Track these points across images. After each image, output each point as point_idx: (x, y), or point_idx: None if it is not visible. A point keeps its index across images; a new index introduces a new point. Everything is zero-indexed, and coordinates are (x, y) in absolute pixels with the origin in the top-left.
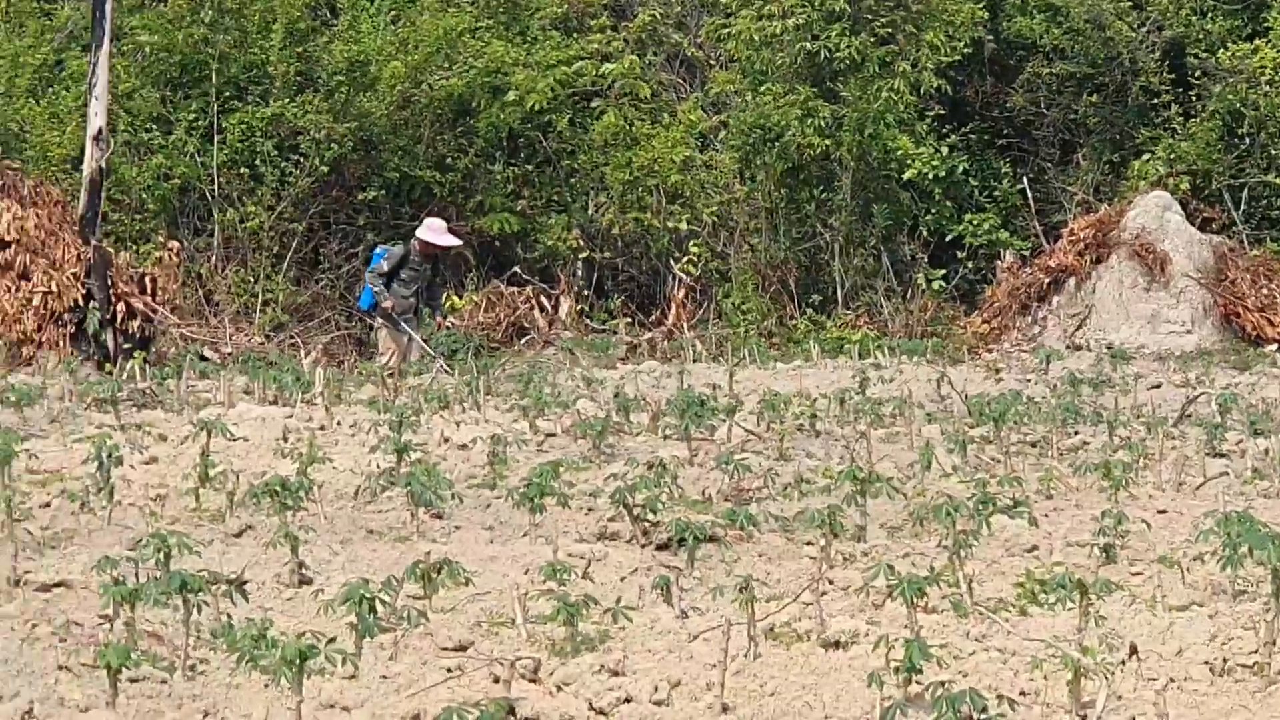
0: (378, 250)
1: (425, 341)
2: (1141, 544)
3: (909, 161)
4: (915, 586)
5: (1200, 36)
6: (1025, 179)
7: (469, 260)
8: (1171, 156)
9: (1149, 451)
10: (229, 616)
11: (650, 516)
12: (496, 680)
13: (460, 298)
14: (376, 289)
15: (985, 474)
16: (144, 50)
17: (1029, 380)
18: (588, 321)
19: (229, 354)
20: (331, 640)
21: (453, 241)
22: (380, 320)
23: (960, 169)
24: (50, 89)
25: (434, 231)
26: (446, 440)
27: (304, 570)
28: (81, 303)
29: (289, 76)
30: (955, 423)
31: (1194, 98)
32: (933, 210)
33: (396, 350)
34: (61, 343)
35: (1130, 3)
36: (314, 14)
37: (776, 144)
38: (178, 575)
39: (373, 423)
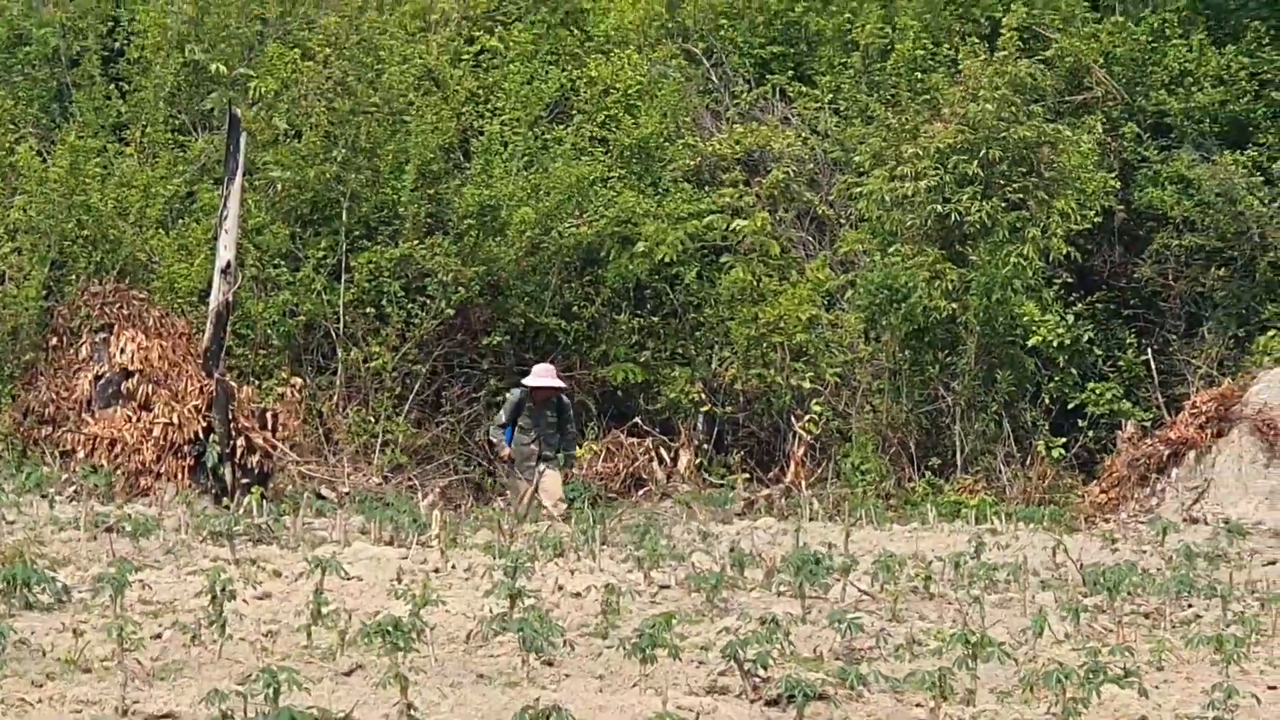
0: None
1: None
2: (1251, 719)
3: (1034, 328)
4: None
5: None
6: (1149, 350)
7: (590, 409)
8: None
9: (1262, 627)
10: None
11: (761, 672)
12: None
13: (580, 446)
14: (496, 439)
15: (1097, 643)
16: (276, 186)
17: (1145, 552)
18: (706, 475)
19: (346, 493)
20: None
21: (555, 383)
22: (507, 468)
23: (1085, 337)
24: (180, 220)
25: (539, 376)
26: (560, 588)
27: (413, 712)
28: (202, 435)
29: (419, 218)
30: (1069, 591)
31: None
32: (1056, 378)
33: (525, 496)
34: (180, 474)
35: (1262, 178)
36: (447, 156)
37: (903, 305)
38: (286, 711)
39: (487, 567)
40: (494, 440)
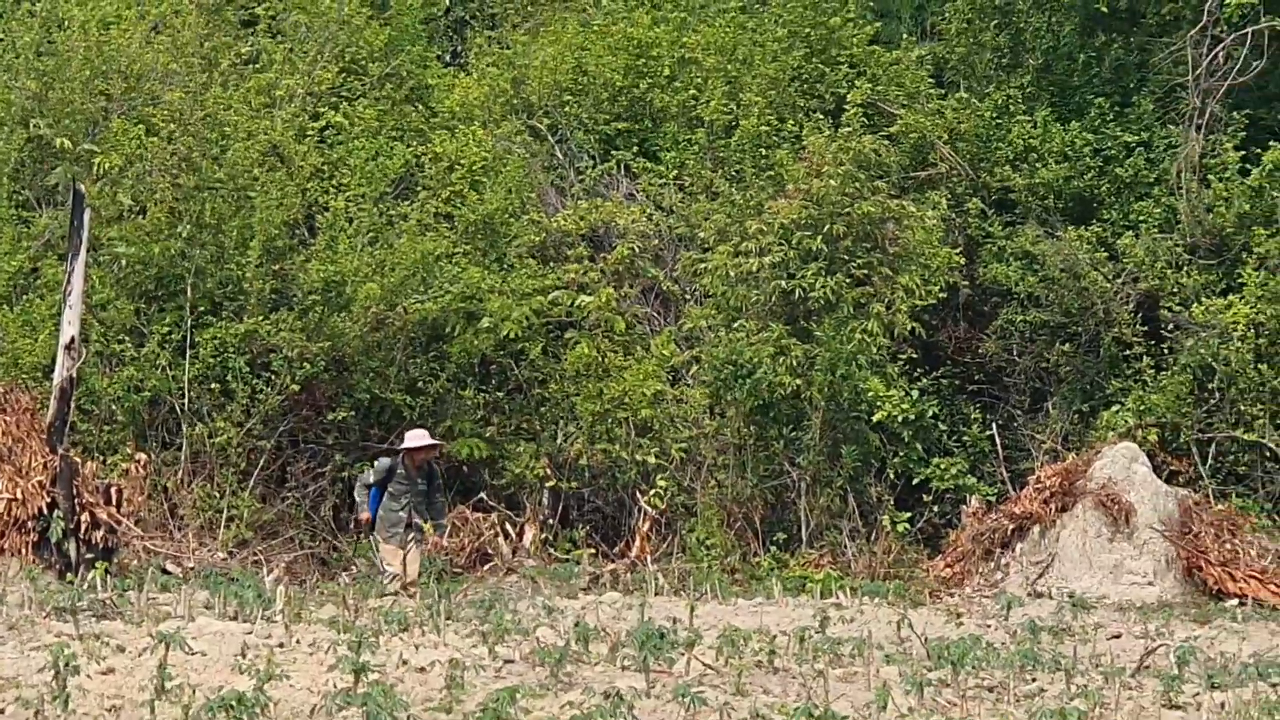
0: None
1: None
2: None
3: (879, 403)
4: None
5: (1175, 290)
6: (994, 425)
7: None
8: (1141, 408)
9: (1105, 701)
10: None
11: None
12: None
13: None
14: (359, 499)
15: (941, 717)
16: (120, 261)
17: (990, 626)
18: (551, 550)
19: (191, 568)
20: None
21: (429, 440)
22: (379, 534)
23: (930, 413)
24: (24, 296)
25: (413, 439)
26: (405, 662)
27: None
28: (46, 511)
29: (264, 293)
30: (914, 665)
31: (1166, 350)
32: (901, 453)
33: (398, 560)
34: (24, 550)
35: (1106, 254)
36: (292, 232)
37: (748, 381)
38: None
39: (332, 642)
40: (357, 499)
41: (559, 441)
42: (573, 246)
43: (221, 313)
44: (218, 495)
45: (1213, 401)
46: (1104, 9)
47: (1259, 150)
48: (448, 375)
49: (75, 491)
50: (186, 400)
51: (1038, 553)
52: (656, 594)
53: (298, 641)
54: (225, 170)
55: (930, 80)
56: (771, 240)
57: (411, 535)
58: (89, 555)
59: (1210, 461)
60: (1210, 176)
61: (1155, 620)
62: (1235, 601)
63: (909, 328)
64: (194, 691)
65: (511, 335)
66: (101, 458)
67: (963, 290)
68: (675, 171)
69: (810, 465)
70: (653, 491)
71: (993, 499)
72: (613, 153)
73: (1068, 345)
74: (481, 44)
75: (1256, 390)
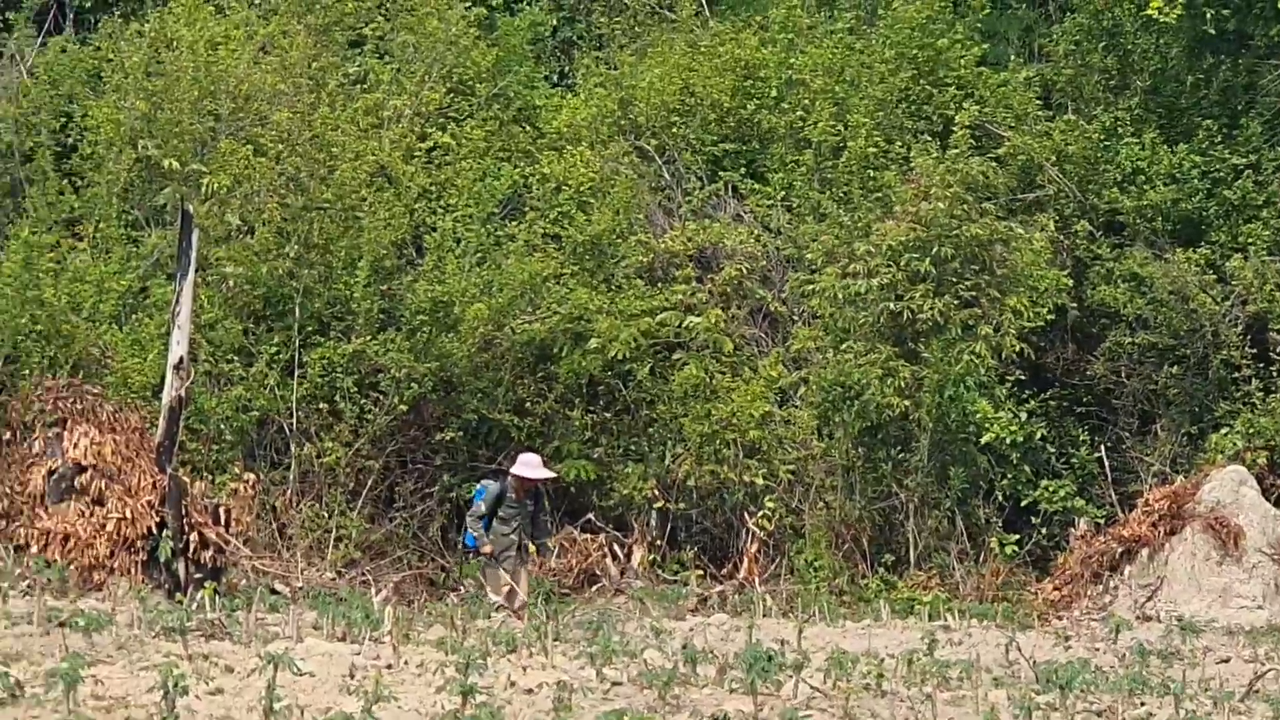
0: (478, 488)
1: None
2: None
3: (987, 425)
4: None
5: None
6: (1103, 447)
7: (544, 505)
8: (1250, 431)
9: None
10: None
11: None
12: None
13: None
14: (476, 532)
15: None
16: (229, 281)
17: (1098, 649)
18: (659, 572)
19: (300, 589)
20: None
21: (547, 474)
22: (485, 558)
23: (1038, 435)
24: (134, 316)
25: (529, 466)
26: (513, 684)
27: None
28: (155, 531)
29: (372, 314)
30: (1022, 688)
31: (1275, 373)
32: (1009, 475)
33: (505, 588)
34: (133, 570)
35: (1214, 276)
36: (400, 252)
37: (856, 402)
38: None
39: (440, 663)
40: (473, 534)
41: (667, 463)
42: (680, 267)
43: (329, 333)
44: (326, 515)
45: None
46: (1212, 31)
47: None
48: (555, 396)
49: (184, 511)
50: (295, 420)
51: (1146, 576)
52: (764, 616)
53: (406, 663)
54: (333, 190)
55: (1038, 102)
56: (879, 262)
57: (519, 557)
58: (197, 575)
59: None
60: None
61: (1265, 644)
62: None
63: (1017, 349)
64: (302, 713)
65: (619, 356)
66: (210, 477)
67: (1071, 312)
68: (783, 193)
69: (918, 487)
70: (760, 513)
71: (1101, 521)
72: (720, 174)
73: (1176, 368)
74: (589, 65)
75: None
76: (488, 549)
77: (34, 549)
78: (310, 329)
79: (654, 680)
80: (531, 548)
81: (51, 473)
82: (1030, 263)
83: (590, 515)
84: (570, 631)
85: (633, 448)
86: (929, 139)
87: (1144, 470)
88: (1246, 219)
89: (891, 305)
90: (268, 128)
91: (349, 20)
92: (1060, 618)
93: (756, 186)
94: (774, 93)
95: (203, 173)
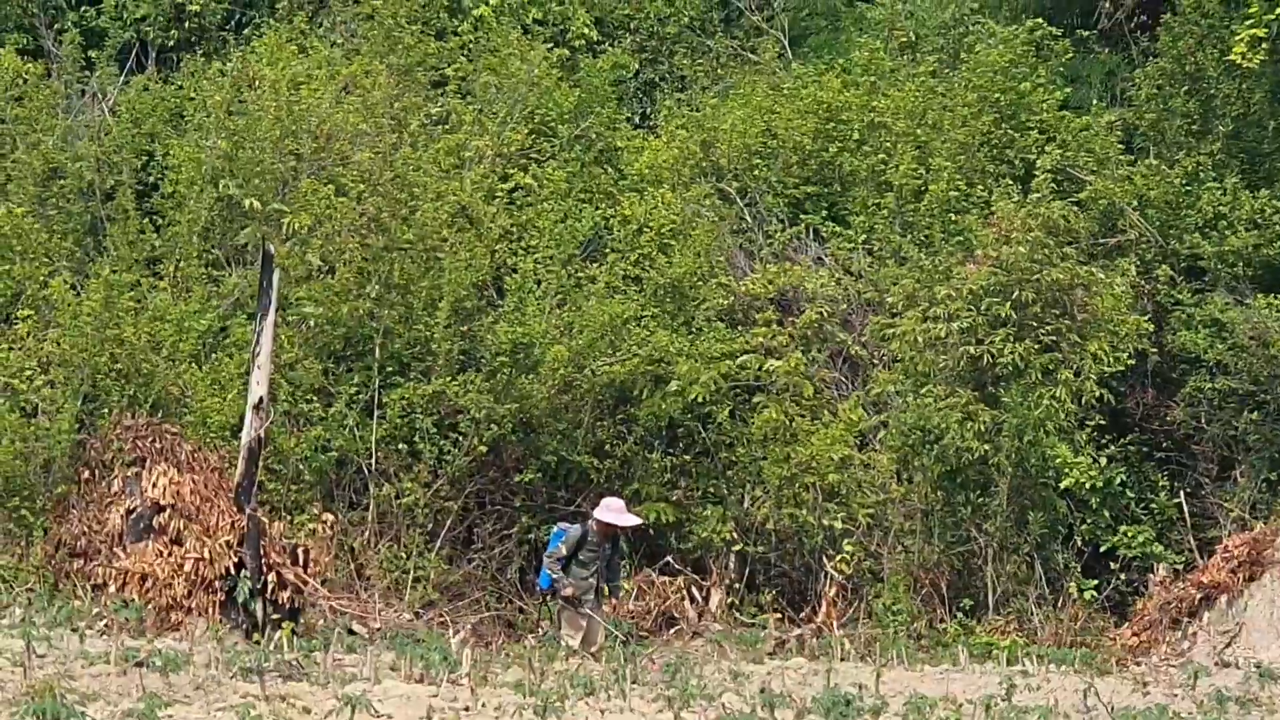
0: (555, 531)
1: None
2: None
3: (1067, 470)
4: None
5: None
6: (1182, 493)
7: (622, 547)
8: None
9: None
10: None
11: None
12: None
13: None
14: (555, 574)
15: None
16: (308, 321)
17: (1176, 695)
18: (737, 615)
19: (377, 630)
20: None
21: (633, 521)
22: (563, 602)
23: (1118, 480)
24: (213, 355)
25: (614, 511)
26: None
27: None
28: (233, 571)
29: (452, 354)
30: None
31: None
32: (1088, 520)
33: (581, 631)
34: (211, 610)
35: None
36: (480, 293)
37: (935, 446)
38: None
39: (518, 706)
40: (554, 577)
41: (745, 505)
42: (761, 310)
43: (409, 373)
44: (404, 556)
45: None
46: None
47: None
48: (635, 438)
49: (262, 551)
50: (373, 460)
51: (1225, 622)
52: (842, 659)
53: (483, 705)
54: (414, 231)
55: (1120, 146)
56: (960, 306)
57: (596, 601)
58: (275, 616)
59: None
60: None
61: None
62: None
63: (1097, 394)
64: None
65: (699, 399)
66: (288, 517)
67: (1151, 357)
68: (864, 236)
69: (997, 531)
70: (839, 556)
71: (1180, 568)
72: (801, 216)
73: (1256, 413)
74: (671, 106)
75: None
76: (569, 591)
77: (112, 588)
78: (390, 369)
79: None
80: (605, 590)
81: (130, 512)
82: (1111, 307)
83: (669, 557)
84: (648, 675)
85: (712, 490)
86: (1010, 183)
87: (1223, 516)
88: None
89: (972, 349)
90: (349, 167)
91: (432, 61)
92: (1139, 663)
93: (838, 229)
94: (856, 135)
95: (284, 212)
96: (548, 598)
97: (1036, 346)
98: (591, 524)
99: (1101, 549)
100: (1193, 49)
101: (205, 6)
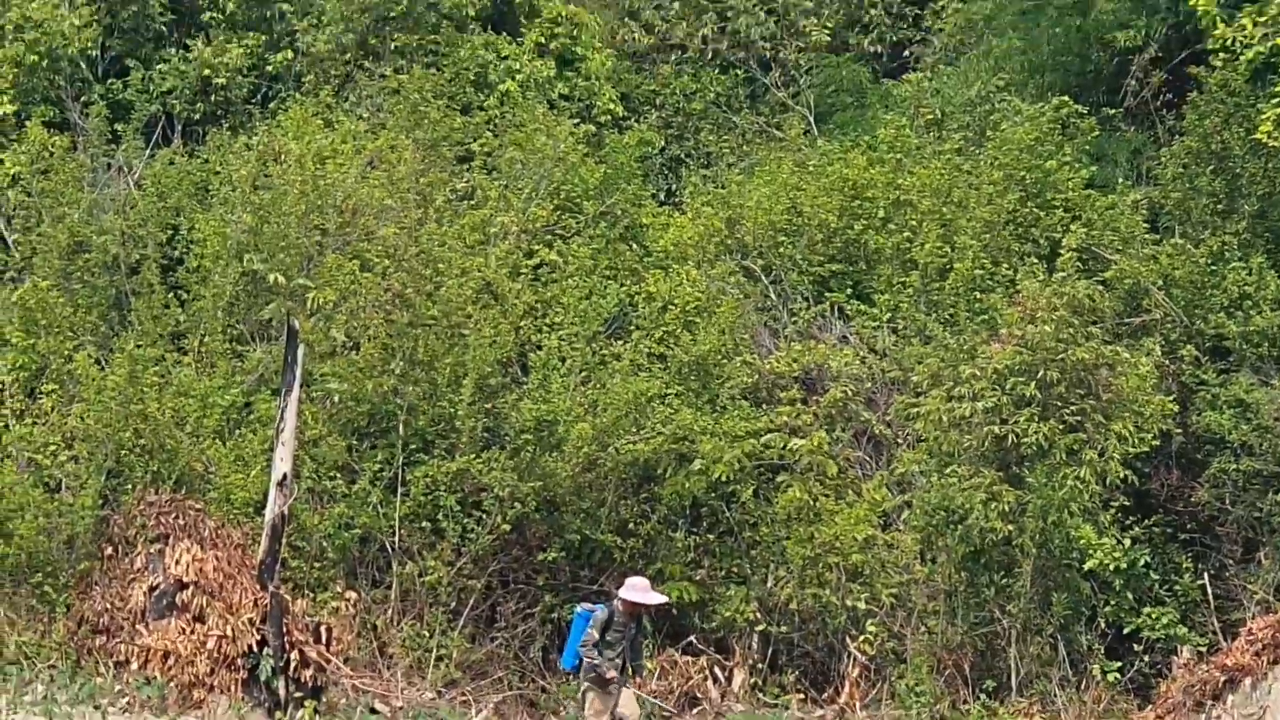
0: (579, 612)
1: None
2: None
3: (1091, 551)
4: None
5: None
6: (1206, 575)
7: (645, 626)
8: None
9: None
10: None
11: None
12: None
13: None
14: (595, 660)
15: None
16: (333, 398)
17: None
18: (760, 695)
19: (400, 708)
20: None
21: (659, 599)
22: (588, 683)
23: (1142, 561)
24: (237, 431)
25: (639, 591)
26: None
27: None
28: (255, 648)
29: (476, 432)
30: None
31: None
32: (1112, 601)
33: (605, 713)
34: (233, 687)
35: None
36: (504, 370)
37: (959, 527)
38: None
39: None
40: (595, 663)
41: (769, 585)
42: (785, 388)
43: (433, 450)
44: (427, 634)
45: None
46: None
47: None
48: (659, 517)
49: (285, 629)
50: (397, 538)
51: (1249, 705)
52: None
53: None
54: (439, 307)
55: (1145, 225)
56: (985, 385)
57: (622, 680)
58: (298, 694)
59: None
60: None
61: None
62: None
63: (1121, 475)
64: None
65: (723, 477)
66: (311, 595)
67: (1176, 438)
68: (889, 314)
69: (1021, 613)
70: (862, 637)
71: (1204, 650)
72: (826, 294)
73: None
74: (696, 183)
75: None
76: (612, 674)
77: (134, 665)
78: (414, 446)
79: None
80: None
81: (153, 589)
82: (1136, 387)
83: (692, 637)
84: None
85: (735, 570)
86: (1035, 261)
87: (1247, 598)
88: None
89: (996, 429)
90: (374, 243)
91: (457, 136)
92: None
93: (862, 308)
94: (881, 213)
95: (308, 287)
96: (584, 678)
97: (1061, 427)
98: (617, 604)
99: (1125, 631)
100: (1219, 127)
101: (231, 80)
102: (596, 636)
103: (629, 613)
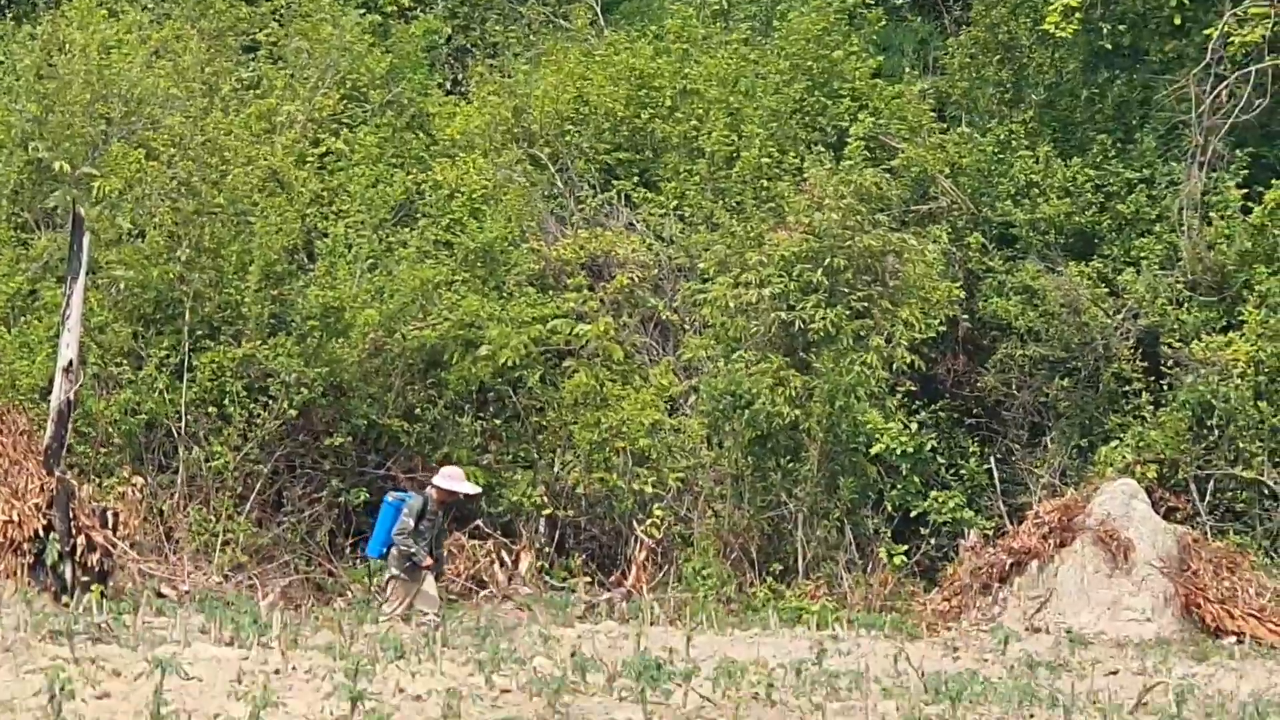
0: (391, 501)
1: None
2: None
3: (877, 436)
4: None
5: (1175, 327)
6: (992, 459)
7: None
8: (1140, 444)
9: None
10: None
11: None
12: None
13: None
14: (412, 549)
15: None
16: (119, 285)
17: (987, 660)
18: (547, 579)
19: (186, 592)
20: None
21: (474, 489)
22: (394, 570)
23: (928, 446)
24: (22, 318)
25: (453, 480)
26: (401, 691)
27: None
28: (42, 533)
29: (262, 318)
30: (911, 699)
31: (1165, 387)
32: (898, 485)
33: (408, 599)
34: (19, 572)
35: (1106, 289)
36: (291, 258)
37: (746, 411)
38: None
39: (328, 669)
40: (410, 550)
41: (556, 470)
42: (572, 275)
43: (219, 337)
44: (213, 519)
45: (1211, 439)
46: (1108, 46)
47: (1261, 188)
48: (445, 402)
49: (71, 514)
50: (183, 424)
51: (1035, 588)
52: (652, 624)
53: (294, 668)
54: (225, 195)
55: (932, 115)
56: (771, 272)
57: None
58: (85, 578)
59: (1208, 499)
60: (1212, 214)
61: (1153, 657)
62: (1233, 639)
63: (908, 361)
64: (189, 717)
65: (510, 363)
66: (98, 480)
67: (962, 324)
68: (676, 202)
69: (808, 496)
70: (649, 521)
71: (990, 533)
72: (613, 182)
73: (1067, 380)
74: (483, 72)
75: (1255, 428)
76: (429, 562)
77: None
78: (200, 333)
79: (543, 688)
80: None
81: None
82: (923, 274)
83: (479, 521)
84: (458, 638)
85: (522, 455)
86: (823, 150)
87: (1034, 482)
88: (1139, 233)
89: (783, 315)
90: (160, 132)
91: (243, 25)
92: (949, 629)
93: (649, 195)
94: (668, 102)
95: (94, 176)
96: (369, 564)
97: (848, 313)
98: (431, 492)
99: (912, 514)
100: (1006, 18)
101: None
102: (412, 525)
103: (441, 501)
